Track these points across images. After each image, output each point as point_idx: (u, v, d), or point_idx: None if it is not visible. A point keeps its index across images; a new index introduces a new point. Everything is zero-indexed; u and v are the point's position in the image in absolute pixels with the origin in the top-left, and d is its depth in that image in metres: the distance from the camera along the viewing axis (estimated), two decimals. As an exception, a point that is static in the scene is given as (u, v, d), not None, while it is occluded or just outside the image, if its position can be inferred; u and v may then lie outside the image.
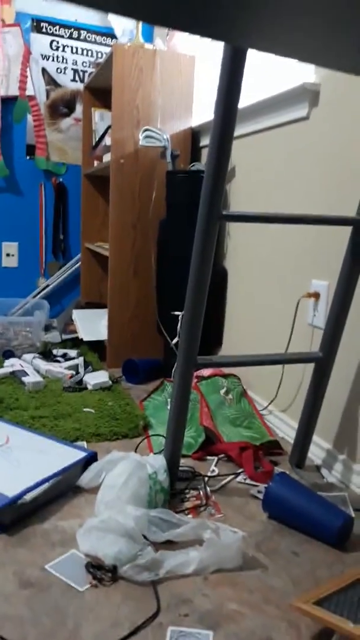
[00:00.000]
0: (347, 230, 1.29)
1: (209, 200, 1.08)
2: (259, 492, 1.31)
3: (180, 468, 1.34)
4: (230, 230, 2.08)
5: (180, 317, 1.88)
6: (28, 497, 1.15)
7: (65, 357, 2.29)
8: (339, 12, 0.50)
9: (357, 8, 0.48)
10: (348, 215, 1.26)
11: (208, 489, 1.32)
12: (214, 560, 1.02)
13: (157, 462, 1.24)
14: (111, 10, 0.53)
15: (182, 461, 1.42)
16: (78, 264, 3.01)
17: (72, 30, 2.92)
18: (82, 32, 2.93)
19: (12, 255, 2.95)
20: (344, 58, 0.64)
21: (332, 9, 0.49)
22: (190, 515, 1.21)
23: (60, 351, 2.37)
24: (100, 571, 0.99)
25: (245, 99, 1.84)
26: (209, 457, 1.50)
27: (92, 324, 2.46)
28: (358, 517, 1.22)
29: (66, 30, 2.91)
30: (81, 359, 2.22)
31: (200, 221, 1.10)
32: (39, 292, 2.97)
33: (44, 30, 2.87)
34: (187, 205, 2.03)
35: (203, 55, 2.33)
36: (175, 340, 1.98)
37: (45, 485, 1.20)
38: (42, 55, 2.88)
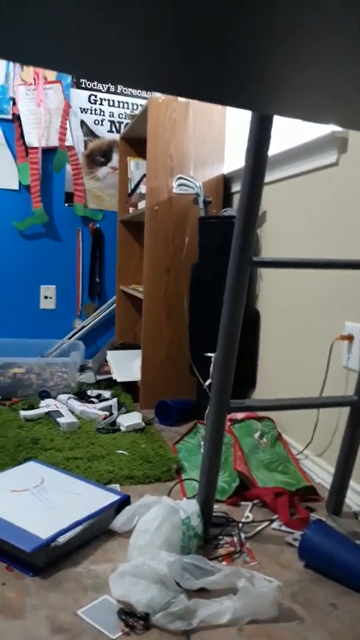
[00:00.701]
0: (380, 274, 1.30)
1: (240, 246, 1.11)
2: (294, 539, 1.28)
3: (213, 513, 1.33)
4: (262, 272, 2.11)
5: (212, 359, 1.89)
6: (61, 539, 1.16)
7: (99, 398, 2.32)
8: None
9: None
10: (380, 259, 1.26)
11: (242, 535, 1.30)
12: (249, 610, 1.00)
13: (190, 507, 1.23)
14: (147, 88, 0.57)
15: (216, 506, 1.40)
16: (113, 306, 3.08)
17: (109, 84, 3.08)
18: (118, 86, 3.09)
19: (50, 297, 3.04)
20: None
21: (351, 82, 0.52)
22: (224, 563, 1.19)
23: (95, 392, 2.40)
24: (133, 618, 0.98)
25: (277, 146, 1.89)
26: (243, 503, 1.48)
27: (126, 365, 2.49)
28: None
29: (104, 85, 3.07)
30: (115, 400, 2.24)
31: (232, 267, 1.13)
32: (75, 333, 3.03)
33: (83, 85, 3.04)
34: (219, 250, 2.07)
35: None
36: (208, 382, 1.98)
37: (79, 528, 1.21)
38: (80, 109, 3.04)
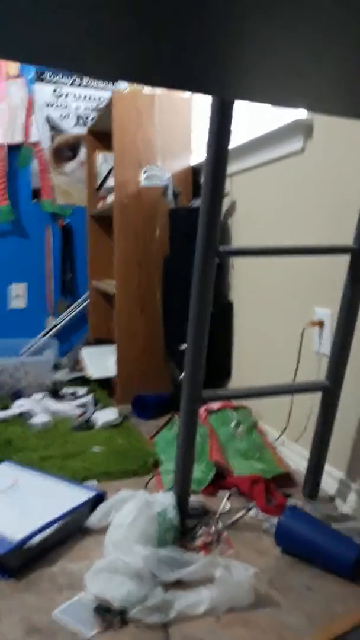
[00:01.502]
0: (347, 259, 1.30)
1: (205, 237, 1.10)
2: (271, 525, 1.28)
3: (190, 504, 1.32)
4: (234, 263, 2.10)
5: (185, 352, 1.88)
6: (35, 540, 1.14)
7: (74, 395, 2.30)
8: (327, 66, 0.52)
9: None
10: (345, 244, 1.27)
11: (219, 524, 1.30)
12: (226, 599, 0.99)
13: (166, 500, 1.23)
14: (102, 77, 0.55)
15: (193, 497, 1.40)
16: (86, 302, 3.04)
17: (74, 77, 3.03)
18: (83, 79, 3.04)
19: (21, 296, 2.99)
20: (327, 103, 0.67)
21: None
22: (201, 553, 1.18)
23: (70, 390, 2.37)
24: (109, 614, 0.97)
25: (244, 136, 1.89)
26: (220, 492, 1.48)
27: (101, 361, 2.47)
28: (374, 550, 1.19)
29: (68, 79, 3.02)
30: (90, 396, 2.22)
31: (198, 257, 1.12)
32: (47, 332, 2.99)
33: (47, 79, 2.98)
34: (190, 241, 2.05)
35: (198, 96, 2.40)
36: (183, 375, 1.98)
37: (53, 528, 1.19)
38: (46, 103, 2.99)
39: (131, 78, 0.58)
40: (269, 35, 0.46)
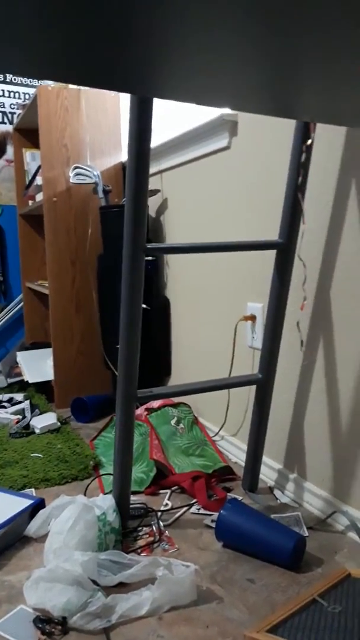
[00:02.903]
0: (274, 253, 1.33)
1: (132, 235, 1.09)
2: (212, 521, 1.30)
3: (131, 505, 1.31)
4: (168, 261, 2.10)
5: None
6: (-30, 554, 1.10)
7: (11, 401, 2.23)
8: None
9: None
10: (272, 239, 1.29)
11: (161, 523, 1.30)
12: (168, 598, 0.99)
13: (105, 503, 1.21)
14: (13, 72, 0.53)
15: (134, 498, 1.40)
16: (20, 305, 2.96)
17: (-2, 73, 2.93)
18: (7, 75, 2.95)
19: None
20: (244, 101, 0.67)
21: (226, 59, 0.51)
22: (143, 554, 1.18)
23: (6, 396, 2.30)
24: (50, 625, 0.95)
25: (171, 132, 1.88)
26: (161, 491, 1.48)
27: (38, 365, 2.41)
28: (312, 535, 1.23)
29: (-8, 74, 2.92)
30: (27, 402, 2.17)
31: (126, 256, 1.11)
32: (-19, 337, 2.89)
33: (-32, 75, 2.87)
34: (122, 239, 2.04)
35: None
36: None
37: (-11, 540, 1.15)
38: (-32, 100, 2.87)
39: (50, 76, 0.56)
40: (189, 35, 0.45)
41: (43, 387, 2.37)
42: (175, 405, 1.85)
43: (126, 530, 1.25)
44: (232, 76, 0.59)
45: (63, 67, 0.54)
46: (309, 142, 1.18)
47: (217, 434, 1.78)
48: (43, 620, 0.95)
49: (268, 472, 1.52)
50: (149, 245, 1.11)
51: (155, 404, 1.84)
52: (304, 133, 1.18)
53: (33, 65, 0.53)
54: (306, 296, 1.32)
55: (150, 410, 1.81)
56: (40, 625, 0.94)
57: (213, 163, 1.73)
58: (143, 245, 1.09)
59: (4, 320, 2.94)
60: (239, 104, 0.71)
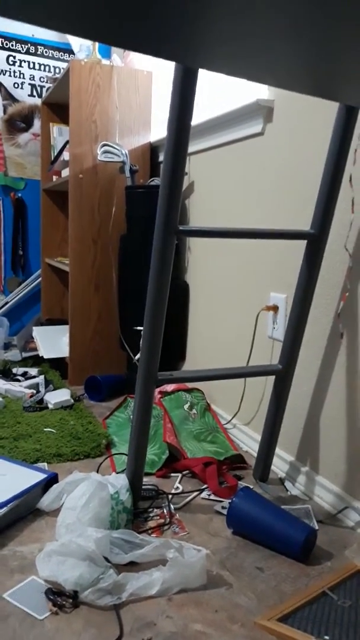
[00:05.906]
0: (303, 244, 1.31)
1: (165, 215, 1.08)
2: (223, 507, 1.30)
3: (143, 486, 1.32)
4: (190, 244, 2.09)
5: (142, 333, 1.87)
6: (-16, 523, 1.11)
7: (25, 375, 2.24)
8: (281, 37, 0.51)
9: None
10: (302, 229, 1.27)
11: (172, 506, 1.30)
12: (178, 581, 1.00)
13: (118, 482, 1.22)
14: (55, 28, 0.52)
15: (146, 479, 1.40)
16: (38, 280, 2.97)
17: (29, 45, 2.90)
18: (39, 47, 2.92)
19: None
20: (288, 78, 0.66)
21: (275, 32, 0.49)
22: (154, 535, 1.19)
23: (21, 370, 2.32)
24: (61, 597, 0.96)
25: (203, 115, 1.86)
26: (173, 474, 1.48)
27: (53, 341, 2.42)
28: (322, 529, 1.23)
29: (23, 46, 2.89)
30: (42, 377, 2.18)
31: (157, 236, 1.10)
32: (-2, 310, 2.91)
33: (0, 45, 2.85)
34: (147, 220, 2.02)
35: (160, 71, 2.34)
36: (138, 356, 1.96)
37: (3, 510, 1.16)
38: (-2, 70, 2.86)
39: (95, 36, 0.55)
40: (238, 3, 0.44)
41: (57, 363, 2.38)
42: (188, 391, 1.86)
43: (137, 511, 1.26)
44: (280, 53, 0.57)
45: (115, 28, 0.53)
46: None
47: (229, 421, 1.78)
48: (55, 593, 0.97)
49: (279, 464, 1.52)
50: (180, 227, 1.10)
51: (169, 387, 1.85)
52: (348, 118, 1.15)
53: (85, 25, 0.52)
54: (349, 287, 1.30)
55: (163, 394, 1.81)
56: (52, 597, 0.96)
57: (245, 149, 1.71)
58: (175, 227, 1.08)
59: (21, 294, 2.95)
60: (286, 82, 0.69)
